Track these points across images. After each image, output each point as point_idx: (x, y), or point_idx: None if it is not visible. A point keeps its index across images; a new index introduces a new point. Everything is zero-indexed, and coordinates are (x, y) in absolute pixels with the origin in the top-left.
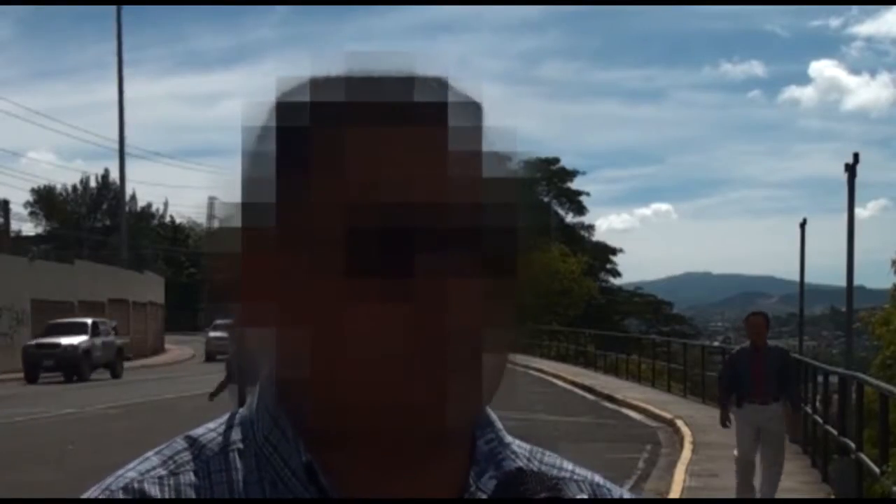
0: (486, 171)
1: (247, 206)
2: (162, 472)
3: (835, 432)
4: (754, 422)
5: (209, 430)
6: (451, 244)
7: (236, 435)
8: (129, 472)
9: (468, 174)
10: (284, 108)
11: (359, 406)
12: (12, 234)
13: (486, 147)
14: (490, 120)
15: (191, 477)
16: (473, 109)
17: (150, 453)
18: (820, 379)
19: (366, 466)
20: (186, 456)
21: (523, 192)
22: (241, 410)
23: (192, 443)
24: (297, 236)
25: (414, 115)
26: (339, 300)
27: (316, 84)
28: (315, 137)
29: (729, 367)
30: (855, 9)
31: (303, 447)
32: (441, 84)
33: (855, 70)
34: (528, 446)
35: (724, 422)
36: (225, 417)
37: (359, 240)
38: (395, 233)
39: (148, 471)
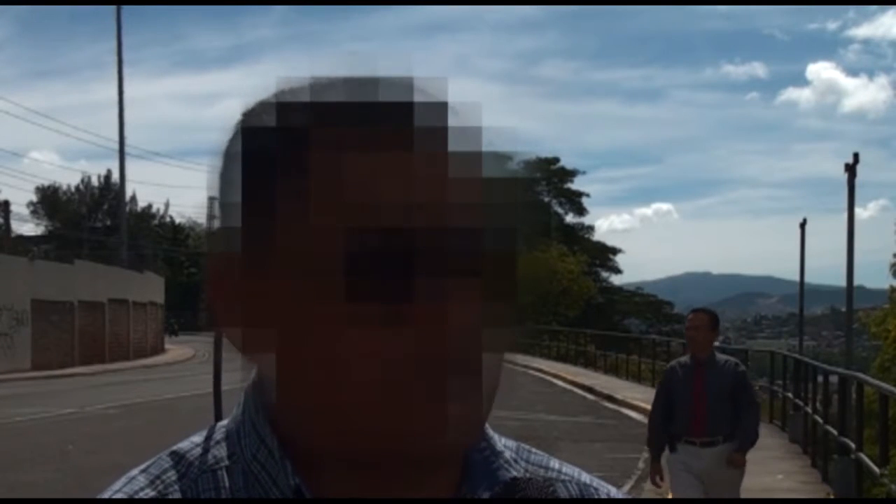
0: (484, 172)
1: (224, 207)
2: (150, 492)
3: (835, 432)
4: (697, 470)
5: (194, 444)
6: (447, 257)
7: (222, 451)
8: (117, 494)
9: (464, 174)
10: (284, 108)
11: (356, 431)
12: (13, 235)
13: (471, 148)
14: (489, 120)
15: (178, 497)
16: (457, 111)
17: (134, 472)
18: (820, 379)
19: (354, 486)
20: (173, 475)
21: (509, 192)
22: (225, 423)
23: (179, 460)
24: (284, 258)
25: (412, 142)
26: (326, 320)
27: (315, 87)
28: (312, 156)
29: (663, 392)
30: (852, 12)
31: (291, 469)
32: (440, 105)
33: (852, 72)
34: (513, 444)
35: (655, 478)
36: (209, 430)
37: (352, 252)
38: (393, 243)
39: (136, 492)
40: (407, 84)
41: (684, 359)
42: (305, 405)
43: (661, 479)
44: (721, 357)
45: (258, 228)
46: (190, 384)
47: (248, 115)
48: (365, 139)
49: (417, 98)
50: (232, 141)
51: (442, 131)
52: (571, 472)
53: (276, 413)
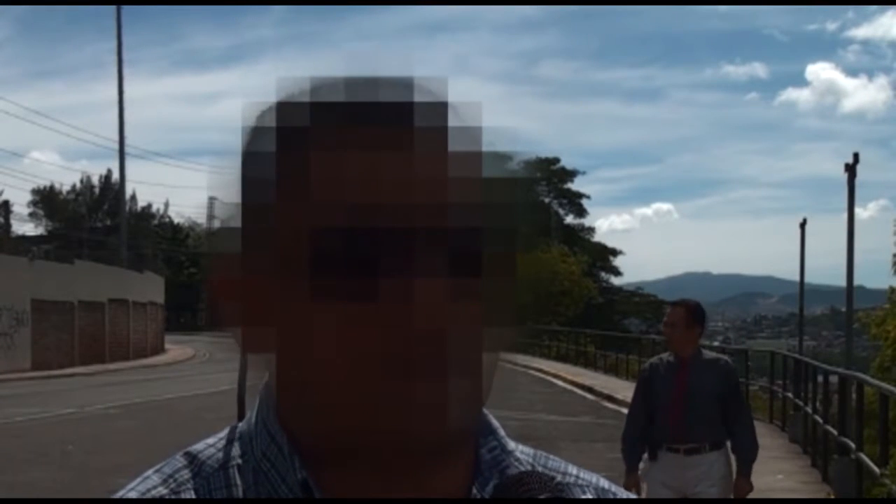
0: (477, 172)
1: (226, 206)
2: (163, 490)
3: (835, 432)
4: (677, 484)
5: (208, 445)
6: (446, 246)
7: (235, 451)
8: (130, 493)
9: (464, 174)
10: (283, 108)
11: (356, 429)
12: (13, 235)
13: (471, 147)
14: (489, 120)
15: (191, 496)
16: (457, 110)
17: (149, 472)
18: (820, 379)
19: (362, 482)
20: (186, 474)
21: (508, 192)
22: (240, 425)
23: (192, 460)
24: (279, 239)
25: (407, 116)
26: (325, 320)
27: (316, 88)
28: (311, 137)
29: (642, 392)
30: (851, 12)
31: (298, 464)
32: (441, 105)
33: (852, 72)
34: (531, 451)
35: (632, 486)
36: (224, 432)
37: (353, 241)
38: (392, 233)
39: (149, 490)
40: (407, 84)
41: (667, 355)
42: (305, 404)
43: (638, 492)
44: (710, 354)
45: (256, 228)
46: (190, 384)
47: (251, 116)
48: (363, 139)
49: (417, 98)
50: (238, 141)
51: (442, 131)
52: (589, 478)
53: (281, 411)
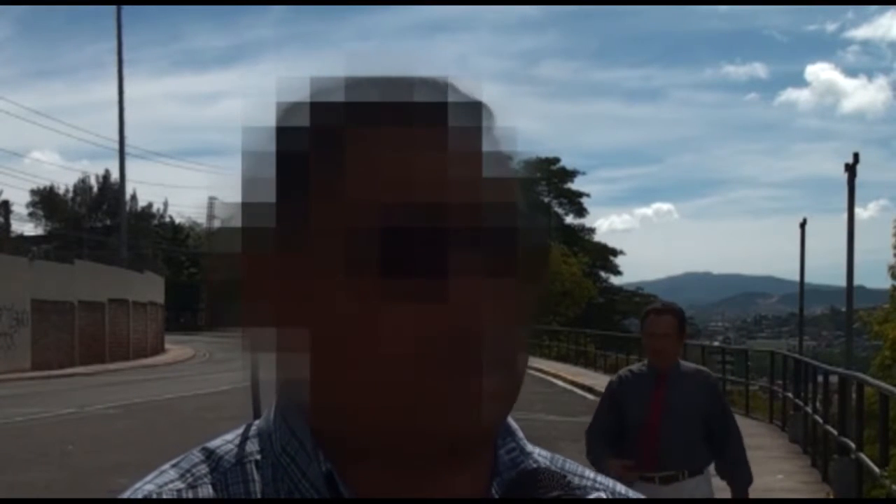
0: (510, 172)
1: (250, 206)
2: (180, 485)
3: (835, 432)
4: None
5: (226, 441)
6: (482, 245)
7: (253, 446)
8: (147, 486)
9: (498, 174)
10: (317, 108)
11: (391, 408)
12: (13, 234)
13: (502, 147)
14: (496, 120)
15: (209, 490)
16: (489, 110)
17: (166, 466)
18: (820, 379)
19: (385, 478)
20: (203, 469)
21: (532, 192)
22: (258, 421)
23: (209, 455)
24: (314, 238)
25: (441, 116)
26: (364, 304)
27: (349, 87)
28: (348, 137)
29: (611, 409)
30: (851, 13)
31: (322, 457)
32: (474, 105)
33: (851, 73)
34: (548, 454)
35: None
36: (242, 429)
37: (390, 240)
38: (429, 232)
39: (165, 484)
40: (440, 84)
41: (638, 366)
42: (339, 402)
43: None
44: (689, 366)
45: (290, 229)
46: (190, 384)
47: (274, 116)
48: (398, 139)
49: (451, 98)
50: (261, 142)
51: (475, 131)
52: (606, 483)
53: (310, 404)
